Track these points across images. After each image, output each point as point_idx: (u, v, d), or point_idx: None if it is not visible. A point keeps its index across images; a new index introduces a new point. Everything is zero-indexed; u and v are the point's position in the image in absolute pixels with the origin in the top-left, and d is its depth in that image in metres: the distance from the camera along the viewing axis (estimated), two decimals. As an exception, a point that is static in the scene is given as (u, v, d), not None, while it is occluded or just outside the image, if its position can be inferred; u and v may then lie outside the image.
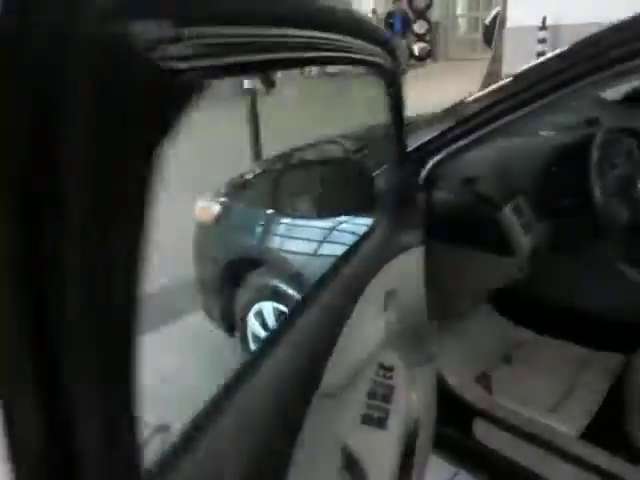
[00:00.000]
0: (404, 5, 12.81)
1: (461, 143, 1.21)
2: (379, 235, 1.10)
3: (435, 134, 1.25)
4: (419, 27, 13.40)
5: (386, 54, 0.81)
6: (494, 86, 1.20)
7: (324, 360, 0.76)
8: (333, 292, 0.89)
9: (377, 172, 1.32)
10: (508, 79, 1.17)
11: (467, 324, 1.92)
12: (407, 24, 12.35)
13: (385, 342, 0.98)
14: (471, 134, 1.18)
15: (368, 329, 0.92)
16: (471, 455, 1.45)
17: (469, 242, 1.38)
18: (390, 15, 12.27)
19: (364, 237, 1.10)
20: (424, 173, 1.28)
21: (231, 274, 1.95)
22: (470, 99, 1.23)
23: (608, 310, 1.82)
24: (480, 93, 1.22)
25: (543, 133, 1.73)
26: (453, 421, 1.50)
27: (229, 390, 0.66)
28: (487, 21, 9.20)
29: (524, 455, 1.39)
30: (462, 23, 14.90)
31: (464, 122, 1.19)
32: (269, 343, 0.77)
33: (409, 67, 12.41)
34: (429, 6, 13.43)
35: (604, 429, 1.41)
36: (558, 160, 1.47)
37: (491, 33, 7.62)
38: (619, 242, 1.34)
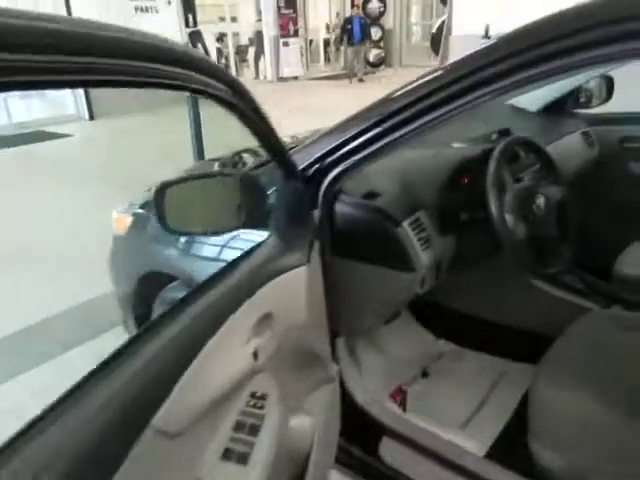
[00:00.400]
0: (360, 12, 12.90)
1: (361, 155, 1.18)
2: (262, 254, 1.06)
3: (334, 145, 1.21)
4: (374, 33, 13.55)
5: (230, 91, 0.79)
6: (394, 94, 1.16)
7: (164, 390, 0.71)
8: (193, 314, 0.83)
9: (273, 189, 1.27)
10: (407, 86, 1.13)
11: (387, 338, 1.90)
12: (365, 30, 12.41)
13: (258, 369, 0.93)
14: (371, 145, 1.15)
15: (234, 356, 0.87)
16: (376, 475, 1.42)
17: (370, 258, 1.36)
18: (348, 21, 12.31)
19: (243, 256, 1.05)
20: (324, 187, 1.24)
21: (145, 289, 1.87)
22: (369, 108, 1.19)
23: (522, 321, 1.84)
24: (379, 101, 1.18)
25: (456, 145, 1.72)
26: (360, 440, 1.47)
27: (39, 421, 0.60)
28: (434, 29, 9.34)
29: (428, 476, 1.36)
30: (416, 31, 15.12)
31: (363, 132, 1.15)
32: (105, 366, 0.71)
33: (365, 73, 12.53)
34: (382, 13, 13.59)
35: (510, 446, 1.40)
36: (461, 173, 1.46)
37: (438, 41, 7.71)
38: (519, 257, 1.33)
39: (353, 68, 12.33)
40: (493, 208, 1.28)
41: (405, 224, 1.31)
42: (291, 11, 12.31)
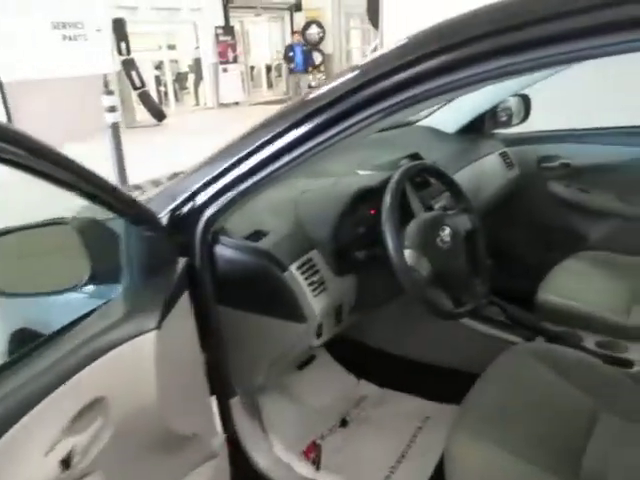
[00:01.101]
0: (301, 39, 12.92)
1: (241, 189, 1.01)
2: (98, 320, 0.86)
3: (207, 180, 1.04)
4: (315, 59, 13.63)
5: (26, 153, 0.65)
6: (276, 114, 0.99)
7: None
8: None
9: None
10: (292, 104, 0.97)
11: (301, 385, 1.73)
12: (308, 56, 12.34)
13: (78, 476, 0.73)
14: (251, 177, 0.99)
15: (26, 471, 0.66)
16: None
17: (257, 307, 1.19)
18: (290, 48, 12.23)
19: (74, 324, 0.85)
20: (200, 229, 1.07)
21: (16, 348, 1.63)
22: (246, 134, 1.03)
23: (445, 358, 1.70)
24: (258, 125, 1.01)
25: (361, 172, 1.59)
26: None
27: None
28: (367, 52, 9.50)
29: None
30: (356, 55, 15.32)
31: (241, 162, 0.99)
32: None
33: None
34: (322, 38, 13.73)
35: None
36: (360, 205, 1.31)
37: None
38: (423, 296, 1.19)
39: (297, 94, 12.27)
40: (390, 244, 1.13)
41: (293, 268, 1.14)
42: (229, 38, 12.21)
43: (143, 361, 0.84)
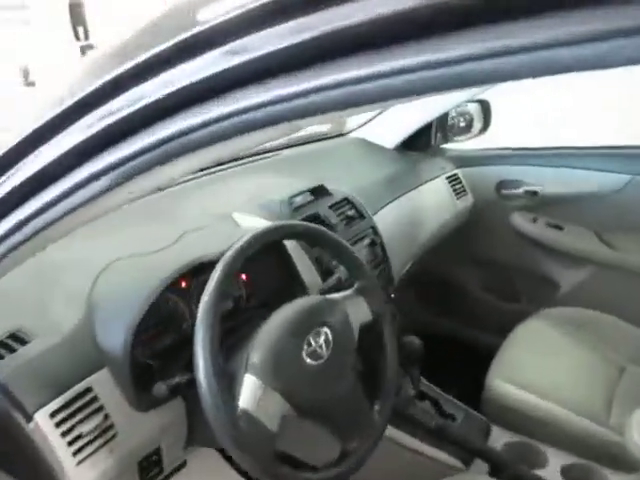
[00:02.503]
0: None
1: None
2: None
3: None
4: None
5: None
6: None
7: None
8: None
9: None
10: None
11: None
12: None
13: None
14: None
15: None
16: None
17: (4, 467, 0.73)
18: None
19: None
20: None
21: None
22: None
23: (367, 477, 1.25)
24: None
25: (237, 216, 1.11)
26: None
27: None
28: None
29: None
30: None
31: None
32: None
33: None
34: None
35: None
36: (193, 288, 0.85)
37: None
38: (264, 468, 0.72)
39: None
40: (201, 373, 0.66)
41: (41, 415, 0.67)
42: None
43: None
